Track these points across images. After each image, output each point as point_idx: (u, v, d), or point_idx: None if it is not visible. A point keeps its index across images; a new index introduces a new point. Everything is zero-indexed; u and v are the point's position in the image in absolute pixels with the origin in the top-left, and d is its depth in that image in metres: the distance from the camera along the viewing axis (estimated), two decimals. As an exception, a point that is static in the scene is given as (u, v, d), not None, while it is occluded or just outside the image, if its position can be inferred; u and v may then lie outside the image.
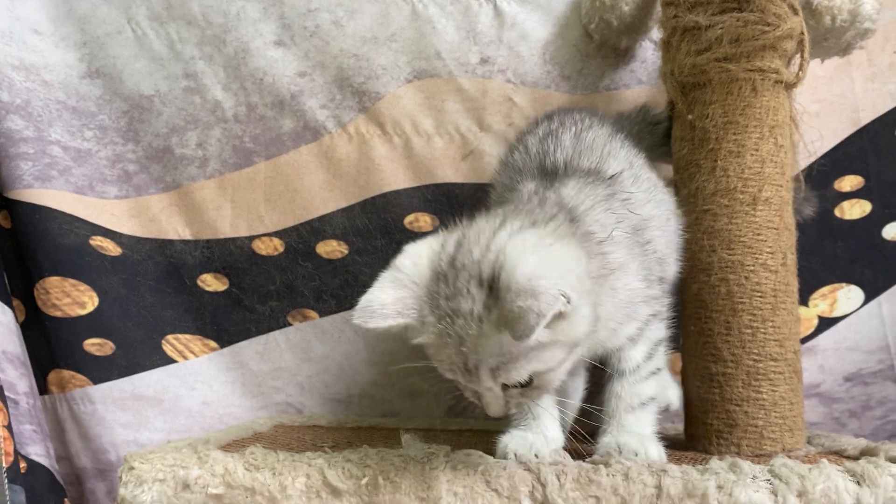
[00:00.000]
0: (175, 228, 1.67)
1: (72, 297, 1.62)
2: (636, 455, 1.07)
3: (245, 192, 1.66)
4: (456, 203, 1.61)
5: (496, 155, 1.60)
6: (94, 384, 1.64)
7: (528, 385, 0.97)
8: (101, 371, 1.64)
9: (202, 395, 1.66)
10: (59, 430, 1.65)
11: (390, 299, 0.94)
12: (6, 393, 1.52)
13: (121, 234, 1.66)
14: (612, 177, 1.13)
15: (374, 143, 1.63)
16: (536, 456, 1.07)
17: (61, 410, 1.65)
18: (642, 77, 1.58)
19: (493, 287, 0.90)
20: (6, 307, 1.57)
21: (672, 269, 1.19)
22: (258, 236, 1.66)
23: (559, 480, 1.01)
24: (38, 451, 1.58)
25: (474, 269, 0.93)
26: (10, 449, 1.45)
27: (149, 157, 1.67)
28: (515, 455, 1.06)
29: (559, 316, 0.89)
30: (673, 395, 1.37)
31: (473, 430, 1.48)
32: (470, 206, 1.59)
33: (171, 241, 1.68)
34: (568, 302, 0.89)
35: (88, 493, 1.64)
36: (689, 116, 1.23)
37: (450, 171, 1.62)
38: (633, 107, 1.48)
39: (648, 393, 1.12)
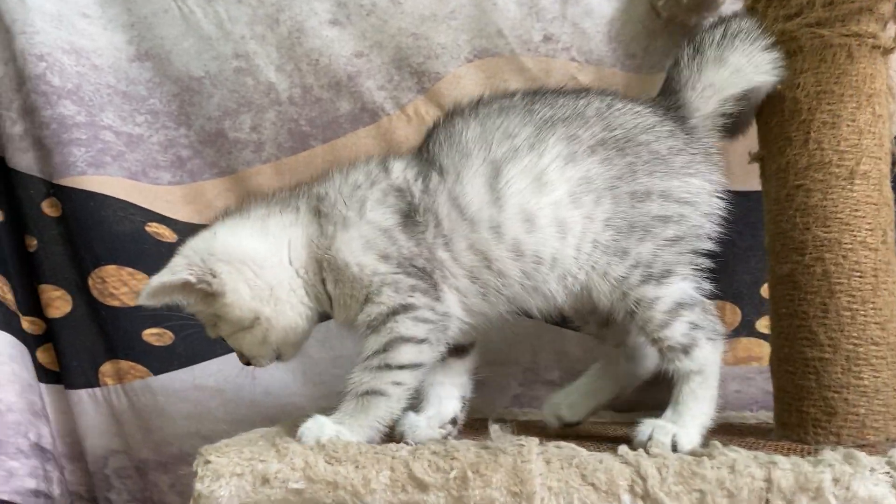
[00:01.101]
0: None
1: (129, 286, 1.56)
2: None
3: (303, 177, 1.56)
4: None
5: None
6: (154, 375, 1.58)
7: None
8: (161, 361, 1.58)
9: (264, 384, 1.59)
10: (115, 423, 1.59)
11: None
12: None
13: (176, 221, 1.59)
14: None
15: (433, 125, 1.54)
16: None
17: (118, 402, 1.59)
18: (714, 53, 1.47)
19: None
20: None
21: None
22: (317, 221, 1.58)
23: (660, 474, 0.92)
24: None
25: None
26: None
27: (202, 141, 1.59)
28: (403, 435, 1.09)
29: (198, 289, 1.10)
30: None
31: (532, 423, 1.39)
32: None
33: None
34: (210, 284, 1.09)
35: (151, 486, 1.58)
36: (778, 87, 1.12)
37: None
38: None
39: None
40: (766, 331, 1.41)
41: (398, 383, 1.06)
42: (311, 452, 0.97)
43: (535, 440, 0.98)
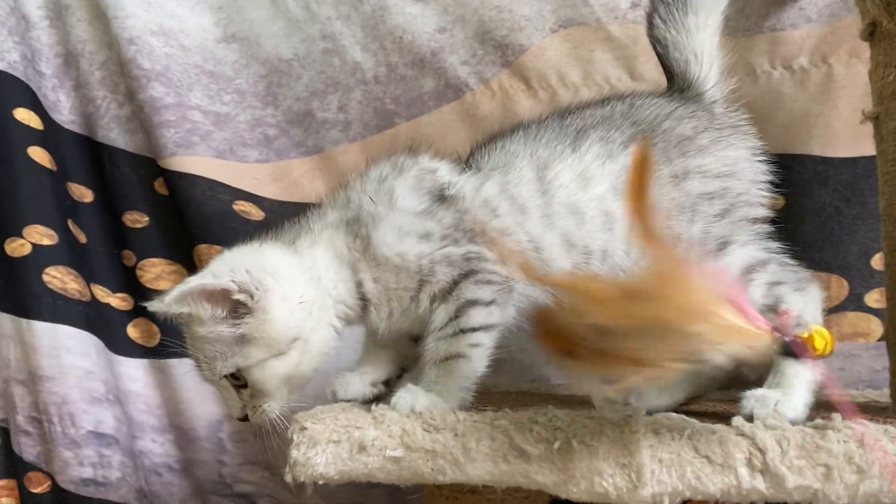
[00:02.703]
0: (317, 193, 1.53)
1: (220, 265, 1.52)
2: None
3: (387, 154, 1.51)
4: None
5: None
6: None
7: (244, 385, 1.03)
8: None
9: (346, 358, 1.52)
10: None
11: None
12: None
13: (263, 198, 1.54)
14: None
15: (518, 98, 1.46)
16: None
17: None
18: (811, 14, 1.35)
19: None
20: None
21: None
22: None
23: (780, 447, 0.82)
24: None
25: None
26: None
27: (289, 121, 1.54)
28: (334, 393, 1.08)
29: (246, 309, 0.99)
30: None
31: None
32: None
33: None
34: (251, 297, 0.99)
35: (264, 450, 1.51)
36: (899, 37, 1.01)
37: (599, 124, 1.43)
38: None
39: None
40: (876, 305, 1.29)
41: (476, 345, 1.01)
42: (409, 420, 0.90)
43: (641, 409, 0.89)
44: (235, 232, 1.51)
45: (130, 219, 1.57)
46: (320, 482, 0.91)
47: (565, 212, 1.05)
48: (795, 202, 1.32)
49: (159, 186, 1.56)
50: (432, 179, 1.09)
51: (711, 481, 0.83)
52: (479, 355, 1.02)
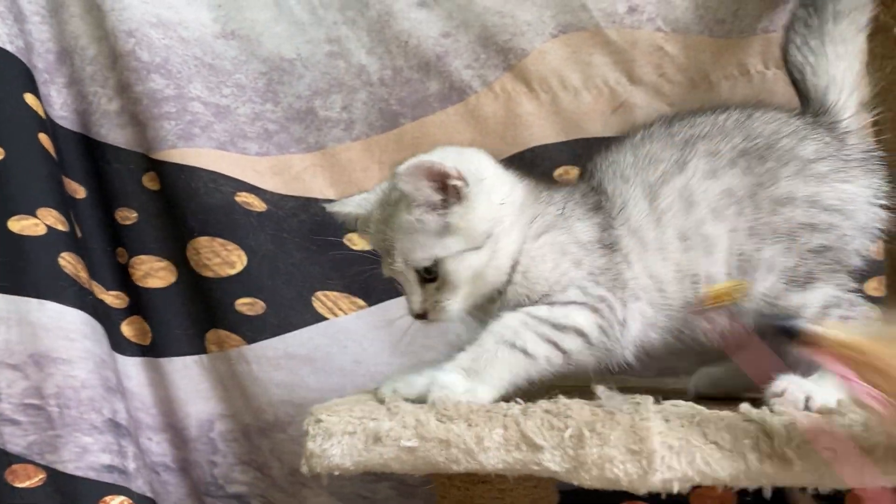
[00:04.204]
0: (319, 188, 1.52)
1: (221, 257, 1.49)
2: None
3: (392, 153, 1.49)
4: (607, 157, 1.42)
5: (647, 107, 1.40)
6: (248, 344, 1.50)
7: (435, 278, 1.00)
8: (254, 331, 1.50)
9: (354, 353, 1.51)
10: (220, 389, 1.53)
11: (354, 199, 1.12)
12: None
13: (264, 191, 1.52)
14: None
15: (520, 100, 1.45)
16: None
17: (221, 369, 1.52)
18: (804, 16, 1.34)
19: None
20: None
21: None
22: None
23: (787, 432, 0.82)
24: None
25: None
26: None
27: (289, 118, 1.51)
28: (394, 392, 0.98)
29: (456, 196, 0.98)
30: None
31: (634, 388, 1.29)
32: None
33: (315, 200, 1.52)
34: (466, 184, 0.98)
35: (255, 450, 1.52)
36: (895, 30, 1.00)
37: (599, 126, 1.42)
38: None
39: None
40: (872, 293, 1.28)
41: (549, 358, 0.97)
42: (423, 411, 0.89)
43: (650, 398, 0.88)
44: (237, 224, 1.50)
45: (121, 215, 1.53)
46: (336, 473, 0.89)
47: (675, 239, 1.01)
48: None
49: (148, 182, 1.52)
50: (602, 218, 1.06)
51: (721, 466, 0.82)
52: (540, 369, 0.98)
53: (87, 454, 1.41)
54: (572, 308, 0.99)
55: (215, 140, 1.50)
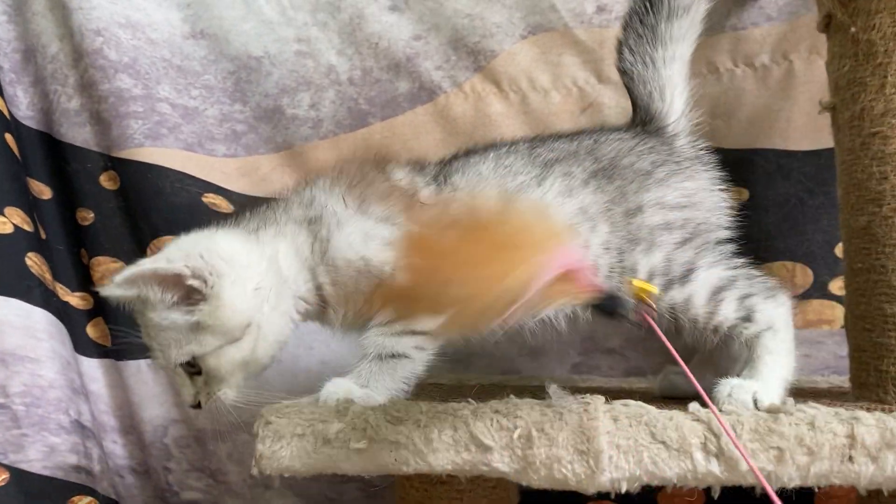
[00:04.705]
0: (287, 188, 1.52)
1: (186, 257, 1.49)
2: None
3: (360, 153, 1.50)
4: (576, 157, 1.41)
5: (616, 107, 1.40)
6: None
7: (198, 371, 0.99)
8: None
9: (320, 353, 1.50)
10: (174, 392, 1.50)
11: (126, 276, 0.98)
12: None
13: (231, 192, 1.51)
14: None
15: (490, 101, 1.45)
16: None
17: None
18: (772, 13, 1.34)
19: None
20: None
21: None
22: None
23: (735, 431, 0.81)
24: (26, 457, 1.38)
25: None
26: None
27: (257, 117, 1.51)
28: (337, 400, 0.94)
29: (198, 294, 0.95)
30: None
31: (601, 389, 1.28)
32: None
33: None
34: (206, 283, 0.95)
35: (209, 455, 1.50)
36: (852, 29, 0.99)
37: (568, 125, 1.40)
38: None
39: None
40: (839, 292, 1.27)
41: (421, 348, 1.00)
42: (372, 412, 0.89)
43: (600, 398, 0.88)
44: (204, 224, 1.49)
45: (80, 216, 1.52)
46: (286, 475, 0.89)
47: None
48: (760, 194, 1.32)
49: (106, 181, 1.51)
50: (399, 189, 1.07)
51: (668, 466, 0.82)
52: (422, 358, 1.00)
53: (54, 454, 1.39)
54: None
55: (183, 141, 1.50)
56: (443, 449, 0.86)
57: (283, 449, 0.88)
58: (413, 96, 1.47)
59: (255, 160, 1.52)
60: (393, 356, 0.99)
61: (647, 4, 1.11)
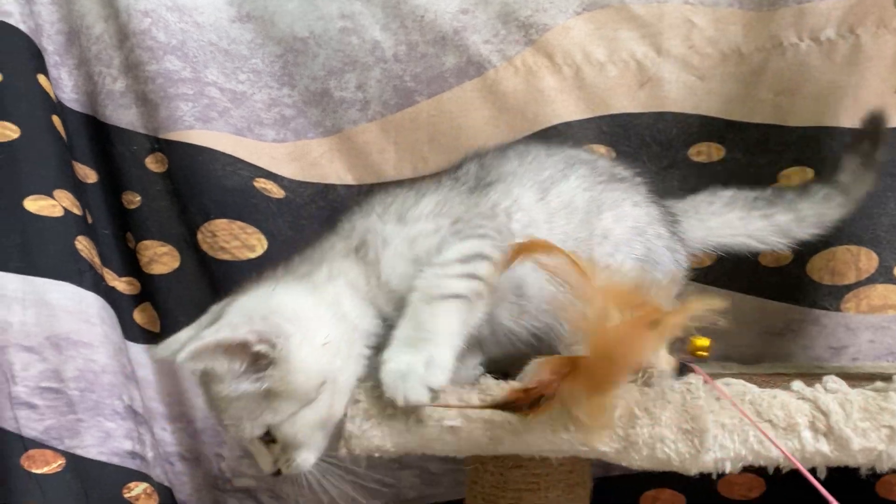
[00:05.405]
0: (337, 173, 1.49)
1: (240, 240, 1.46)
2: None
3: (408, 133, 1.46)
4: (634, 134, 1.39)
5: (676, 81, 1.38)
6: None
7: (273, 439, 0.92)
8: None
9: None
10: None
11: (180, 338, 0.97)
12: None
13: (282, 177, 1.48)
14: None
15: (542, 75, 1.41)
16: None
17: None
18: (840, -17, 1.32)
19: None
20: None
21: None
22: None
23: (844, 409, 0.80)
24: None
25: None
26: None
27: (306, 101, 1.48)
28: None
29: (267, 360, 0.88)
30: None
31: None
32: (650, 136, 1.41)
33: (333, 186, 1.49)
34: (273, 346, 0.87)
35: None
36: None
37: (626, 101, 1.39)
38: None
39: None
40: (906, 277, 1.27)
41: (480, 294, 0.92)
42: (465, 391, 0.87)
43: (700, 377, 0.86)
44: (256, 208, 1.46)
45: (126, 199, 1.49)
46: (376, 455, 0.87)
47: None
48: (825, 174, 1.30)
49: (152, 164, 1.48)
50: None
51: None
52: (480, 306, 0.92)
53: (110, 439, 1.36)
54: (469, 241, 0.96)
55: (233, 125, 1.47)
56: (539, 428, 0.84)
57: (374, 428, 0.86)
58: (460, 71, 1.44)
59: (304, 144, 1.49)
60: (447, 297, 0.90)
61: None
